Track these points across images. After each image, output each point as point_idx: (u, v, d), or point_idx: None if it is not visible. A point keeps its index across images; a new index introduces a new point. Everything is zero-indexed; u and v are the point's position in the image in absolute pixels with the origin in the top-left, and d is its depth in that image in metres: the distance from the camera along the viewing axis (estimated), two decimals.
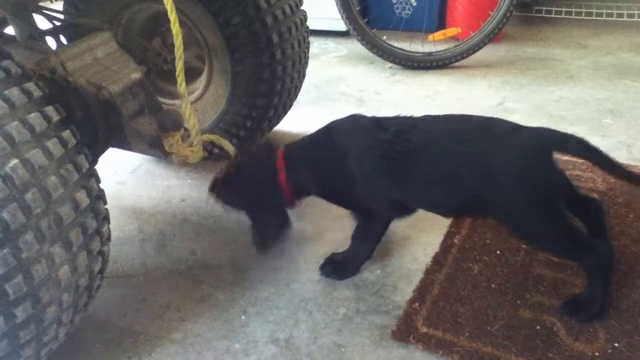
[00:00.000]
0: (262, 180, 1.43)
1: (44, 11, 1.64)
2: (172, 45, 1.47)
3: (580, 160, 1.78)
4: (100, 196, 1.18)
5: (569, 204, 1.33)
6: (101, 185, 1.20)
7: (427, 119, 1.36)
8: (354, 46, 3.28)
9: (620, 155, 2.01)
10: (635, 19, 3.41)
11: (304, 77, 2.12)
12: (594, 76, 2.78)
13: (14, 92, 1.03)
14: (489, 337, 1.28)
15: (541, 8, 3.54)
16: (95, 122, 1.46)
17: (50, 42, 1.61)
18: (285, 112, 2.17)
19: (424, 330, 1.31)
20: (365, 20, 3.01)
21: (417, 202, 1.40)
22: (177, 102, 2.05)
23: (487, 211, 1.32)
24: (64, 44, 1.64)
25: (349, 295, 1.46)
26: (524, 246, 1.52)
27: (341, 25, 3.11)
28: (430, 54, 2.99)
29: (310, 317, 1.41)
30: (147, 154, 1.56)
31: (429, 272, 1.50)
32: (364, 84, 2.90)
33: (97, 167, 1.22)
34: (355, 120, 1.43)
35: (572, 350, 1.23)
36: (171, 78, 1.86)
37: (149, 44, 1.98)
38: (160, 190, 2.03)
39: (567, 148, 1.28)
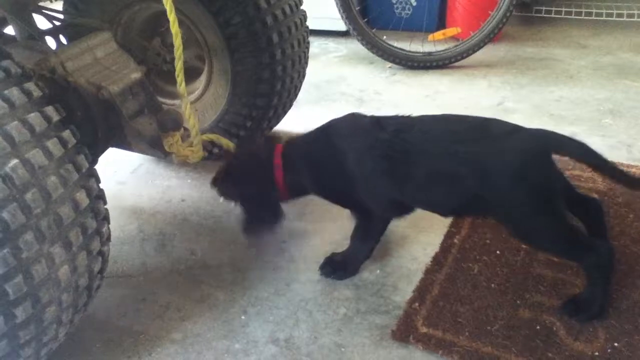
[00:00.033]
0: (258, 177, 1.45)
1: (43, 11, 1.64)
2: (172, 45, 1.47)
3: None
4: (100, 196, 1.18)
5: (569, 204, 1.33)
6: (101, 185, 1.20)
7: (425, 119, 1.36)
8: (354, 46, 3.28)
9: (620, 155, 2.01)
10: (635, 19, 3.41)
11: (303, 77, 2.12)
12: (593, 76, 2.78)
13: (13, 92, 1.03)
14: (488, 337, 1.28)
15: (541, 8, 3.54)
16: (95, 122, 1.45)
17: (50, 42, 1.61)
18: (285, 112, 2.17)
19: (424, 330, 1.31)
20: (365, 20, 3.01)
21: (416, 202, 1.40)
22: (177, 102, 2.05)
23: (487, 211, 1.32)
24: (63, 44, 1.64)
25: (349, 295, 1.46)
26: (523, 246, 1.52)
27: (341, 25, 3.11)
28: (430, 53, 2.99)
29: (310, 317, 1.41)
30: (147, 153, 1.56)
31: (429, 272, 1.50)
32: (364, 84, 2.90)
33: (97, 167, 1.22)
34: (354, 120, 1.43)
35: (572, 350, 1.23)
36: (171, 78, 1.85)
37: (149, 44, 1.98)
38: (160, 190, 2.03)
39: (566, 151, 1.28)
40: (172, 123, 1.50)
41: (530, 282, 1.43)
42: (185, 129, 1.57)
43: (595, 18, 3.41)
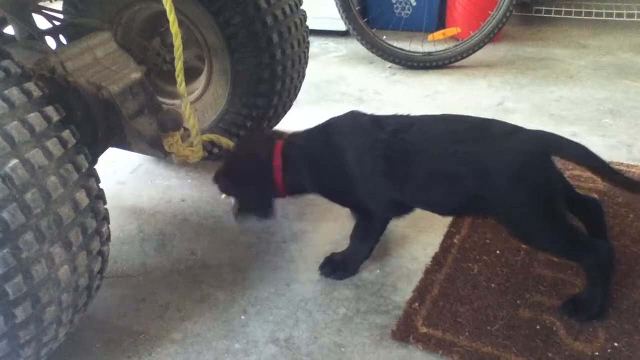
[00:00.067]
0: (257, 178, 1.46)
1: (43, 11, 1.64)
2: (172, 45, 1.47)
3: None
4: (100, 196, 1.18)
5: (569, 204, 1.33)
6: (101, 185, 1.20)
7: (424, 119, 1.36)
8: (354, 46, 3.28)
9: (620, 155, 2.01)
10: (635, 18, 3.41)
11: (303, 77, 2.12)
12: (593, 76, 2.78)
13: (13, 92, 1.03)
14: (488, 337, 1.28)
15: (541, 8, 3.54)
16: (95, 122, 1.45)
17: (50, 42, 1.61)
18: (285, 112, 2.17)
19: (424, 330, 1.31)
20: (365, 20, 3.01)
21: (416, 202, 1.40)
22: (177, 102, 2.05)
23: (487, 211, 1.32)
24: (63, 44, 1.64)
25: (348, 295, 1.46)
26: (523, 246, 1.52)
27: (341, 25, 3.11)
28: (430, 53, 2.99)
29: (310, 317, 1.41)
30: (147, 153, 1.56)
31: (429, 271, 1.50)
32: (364, 84, 2.90)
33: (96, 166, 1.22)
34: (354, 118, 1.43)
35: (571, 349, 1.23)
36: (171, 78, 1.85)
37: (149, 44, 1.98)
38: (160, 190, 2.03)
39: (565, 153, 1.28)
40: (172, 123, 1.50)
41: (530, 282, 1.43)
42: (185, 129, 1.57)
43: (595, 18, 3.42)
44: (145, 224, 1.83)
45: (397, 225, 1.66)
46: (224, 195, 1.61)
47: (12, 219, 0.94)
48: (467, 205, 1.30)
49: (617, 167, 1.83)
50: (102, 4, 1.91)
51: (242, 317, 1.42)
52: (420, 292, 1.43)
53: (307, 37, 2.05)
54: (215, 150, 1.99)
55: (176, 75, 1.48)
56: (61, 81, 1.38)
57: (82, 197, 1.09)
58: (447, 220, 1.67)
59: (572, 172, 1.80)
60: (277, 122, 2.17)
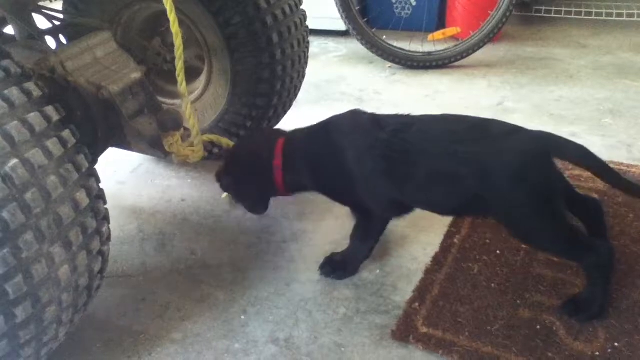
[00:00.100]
0: (257, 177, 1.48)
1: (43, 11, 1.63)
2: (172, 45, 1.47)
3: None
4: (100, 196, 1.18)
5: (569, 204, 1.33)
6: (101, 185, 1.19)
7: (424, 119, 1.36)
8: (354, 46, 3.28)
9: (620, 155, 2.01)
10: (635, 18, 3.41)
11: (303, 76, 2.12)
12: (593, 76, 2.78)
13: (13, 92, 1.03)
14: (489, 337, 1.28)
15: (541, 8, 3.54)
16: (95, 122, 1.45)
17: (50, 41, 1.61)
18: (285, 112, 2.17)
19: (424, 330, 1.31)
20: (365, 19, 3.01)
21: (416, 202, 1.40)
22: (177, 101, 2.05)
23: (486, 211, 1.32)
24: (63, 44, 1.64)
25: (348, 295, 1.46)
26: (523, 246, 1.52)
27: (341, 25, 3.11)
28: (430, 53, 2.99)
29: (310, 317, 1.41)
30: (147, 153, 1.56)
31: (429, 271, 1.50)
32: (364, 84, 2.90)
33: (97, 166, 1.22)
34: (354, 118, 1.43)
35: (572, 349, 1.23)
36: (171, 78, 1.85)
37: (149, 44, 1.98)
38: (160, 190, 2.03)
39: (565, 154, 1.28)
40: (172, 123, 1.50)
41: (531, 282, 1.43)
42: (186, 129, 1.57)
43: (595, 18, 3.42)
44: (145, 224, 1.83)
45: (397, 225, 1.66)
46: (224, 195, 1.61)
47: (12, 218, 0.94)
48: (467, 205, 1.30)
49: (617, 167, 1.84)
50: (102, 3, 1.91)
51: (242, 317, 1.42)
52: (421, 292, 1.43)
53: (307, 37, 2.05)
54: (216, 150, 1.99)
55: (177, 75, 1.48)
56: (61, 81, 1.38)
57: (82, 197, 1.09)
58: (448, 220, 1.67)
59: (572, 172, 1.80)
60: (277, 122, 2.17)
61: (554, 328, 1.29)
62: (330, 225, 1.75)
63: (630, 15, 3.41)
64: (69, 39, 1.65)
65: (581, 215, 1.41)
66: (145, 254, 1.69)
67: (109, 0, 1.90)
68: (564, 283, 1.42)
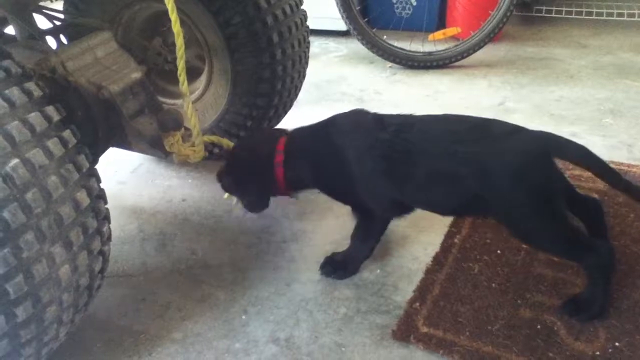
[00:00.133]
0: (258, 177, 1.48)
1: (44, 11, 1.64)
2: (173, 45, 1.47)
3: None
4: (101, 196, 1.18)
5: (569, 204, 1.33)
6: (102, 185, 1.20)
7: (426, 119, 1.36)
8: (355, 46, 3.28)
9: (620, 155, 2.01)
10: (636, 18, 3.41)
11: (304, 76, 2.12)
12: (594, 76, 2.78)
13: (14, 92, 1.03)
14: (489, 337, 1.28)
15: (541, 8, 3.54)
16: (95, 122, 1.45)
17: (51, 41, 1.61)
18: (286, 112, 2.17)
19: (425, 329, 1.31)
20: (366, 19, 3.01)
21: (416, 202, 1.40)
22: (177, 101, 2.05)
23: (487, 211, 1.32)
24: (64, 44, 1.64)
25: (349, 295, 1.46)
26: (524, 246, 1.52)
27: (341, 25, 3.11)
28: (430, 53, 2.99)
29: (311, 316, 1.41)
30: (147, 153, 1.56)
31: (430, 271, 1.50)
32: (365, 84, 2.90)
33: (97, 166, 1.22)
34: (356, 117, 1.43)
35: (572, 349, 1.23)
36: (172, 78, 1.86)
37: (150, 44, 1.98)
38: (161, 190, 2.03)
39: (566, 154, 1.28)
40: (173, 123, 1.50)
41: (531, 281, 1.43)
42: (186, 129, 1.58)
43: (596, 18, 3.41)
44: (145, 224, 1.84)
45: (398, 225, 1.66)
46: (226, 195, 1.61)
47: (13, 218, 0.94)
48: (467, 205, 1.30)
49: (617, 167, 1.83)
50: (102, 3, 1.91)
51: (243, 316, 1.42)
52: (421, 291, 1.43)
53: (308, 37, 2.05)
54: (216, 150, 1.99)
55: (178, 75, 1.48)
56: (62, 81, 1.38)
57: (82, 196, 1.09)
58: (448, 220, 1.67)
59: (573, 172, 1.80)
60: (277, 122, 2.17)
61: (555, 328, 1.29)
62: (330, 225, 1.75)
63: (631, 15, 3.41)
64: (69, 39, 1.65)
65: (581, 215, 1.41)
66: (145, 253, 1.69)
67: (109, 0, 1.90)
68: (565, 283, 1.42)
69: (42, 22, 1.62)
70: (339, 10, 2.91)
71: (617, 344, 1.23)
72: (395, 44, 3.01)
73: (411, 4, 3.50)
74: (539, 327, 1.29)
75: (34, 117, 1.04)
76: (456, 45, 2.97)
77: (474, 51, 2.93)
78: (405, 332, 1.31)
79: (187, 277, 1.58)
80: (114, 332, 1.40)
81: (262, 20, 1.79)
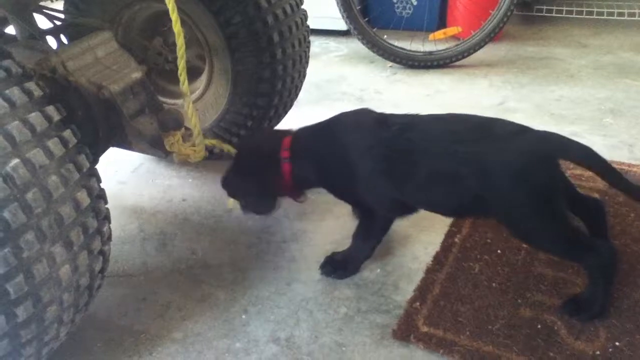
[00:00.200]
0: (260, 178, 1.47)
1: (44, 11, 1.64)
2: (173, 45, 1.47)
3: None
4: (101, 196, 1.18)
5: (570, 204, 1.33)
6: (102, 185, 1.20)
7: (427, 118, 1.36)
8: (355, 45, 3.28)
9: (621, 155, 2.01)
10: (636, 18, 3.41)
11: (304, 76, 2.12)
12: (594, 75, 2.78)
13: (14, 92, 1.03)
14: (489, 336, 1.28)
15: (542, 7, 3.54)
16: (96, 122, 1.45)
17: (51, 41, 1.61)
18: (286, 112, 2.17)
19: (425, 329, 1.31)
20: (366, 19, 3.01)
21: (417, 202, 1.40)
22: (178, 101, 2.05)
23: (488, 212, 1.32)
24: (64, 44, 1.64)
25: (349, 295, 1.46)
26: (524, 245, 1.52)
27: (342, 25, 3.11)
28: (430, 53, 2.99)
29: (311, 316, 1.41)
30: (147, 153, 1.56)
31: (430, 271, 1.50)
32: (365, 83, 2.90)
33: (97, 166, 1.22)
34: (359, 116, 1.43)
35: (573, 349, 1.23)
36: (172, 77, 1.86)
37: (150, 44, 1.98)
38: (161, 190, 2.03)
39: (571, 155, 1.28)
40: (173, 122, 1.50)
41: (531, 281, 1.43)
42: (187, 129, 1.57)
43: (596, 17, 3.41)
44: (146, 224, 1.84)
45: (399, 225, 1.65)
46: (230, 202, 1.61)
47: (14, 218, 0.94)
48: (468, 205, 1.29)
49: (618, 166, 1.83)
50: (102, 3, 1.91)
51: (243, 316, 1.42)
52: (422, 291, 1.43)
53: (308, 37, 2.05)
54: (217, 150, 1.99)
55: (179, 74, 1.48)
56: (62, 81, 1.38)
57: (83, 196, 1.09)
58: (448, 219, 1.67)
59: (574, 172, 1.80)
60: (278, 122, 2.17)
61: (555, 327, 1.29)
62: (330, 224, 1.75)
63: (632, 15, 3.41)
64: (70, 39, 1.65)
65: (582, 215, 1.41)
66: (146, 253, 1.69)
67: (109, 0, 1.90)
68: (565, 282, 1.41)
69: (42, 22, 1.62)
70: (340, 10, 2.91)
71: (617, 343, 1.23)
72: (396, 43, 3.01)
73: (412, 3, 3.50)
74: (539, 326, 1.29)
75: (35, 117, 1.04)
76: (457, 45, 2.97)
77: (475, 51, 2.93)
78: (405, 331, 1.31)
79: (187, 276, 1.58)
80: (114, 331, 1.40)
81: (263, 19, 1.79)
